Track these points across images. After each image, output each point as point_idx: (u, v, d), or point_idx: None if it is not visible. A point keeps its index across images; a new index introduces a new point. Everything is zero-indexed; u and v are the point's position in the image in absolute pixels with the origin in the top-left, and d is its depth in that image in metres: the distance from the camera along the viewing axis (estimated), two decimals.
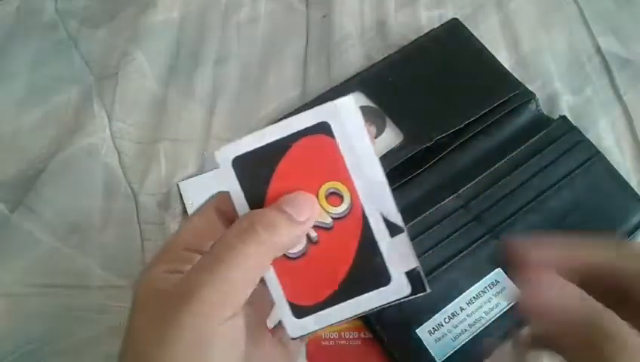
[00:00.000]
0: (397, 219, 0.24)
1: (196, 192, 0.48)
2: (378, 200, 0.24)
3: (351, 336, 0.41)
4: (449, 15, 0.57)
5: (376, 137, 0.48)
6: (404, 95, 0.51)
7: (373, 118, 0.49)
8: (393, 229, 0.24)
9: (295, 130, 0.24)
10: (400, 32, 0.57)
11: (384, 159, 0.46)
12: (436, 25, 0.55)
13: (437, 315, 0.39)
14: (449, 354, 0.38)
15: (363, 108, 0.50)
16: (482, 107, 0.48)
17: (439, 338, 0.39)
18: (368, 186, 0.24)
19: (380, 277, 0.25)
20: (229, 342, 0.22)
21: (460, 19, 0.55)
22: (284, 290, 0.25)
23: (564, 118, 0.48)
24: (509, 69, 0.51)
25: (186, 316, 0.21)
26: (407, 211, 0.30)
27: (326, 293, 0.25)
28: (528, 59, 0.55)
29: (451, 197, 0.44)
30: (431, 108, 0.49)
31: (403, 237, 0.24)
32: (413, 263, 0.24)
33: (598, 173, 0.45)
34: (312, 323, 0.25)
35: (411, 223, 0.42)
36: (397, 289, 0.25)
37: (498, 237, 0.42)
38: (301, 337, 0.25)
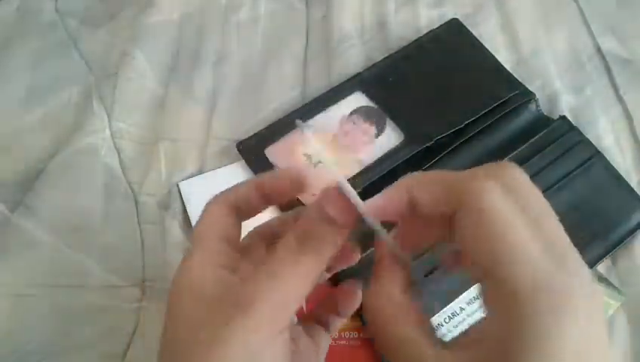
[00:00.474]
0: None
1: (196, 192, 0.48)
2: None
3: (351, 336, 0.41)
4: (449, 15, 0.57)
5: (376, 137, 0.48)
6: (404, 95, 0.51)
7: (373, 118, 0.49)
8: None
9: None
10: (400, 32, 0.57)
11: (384, 159, 0.47)
12: (436, 25, 0.55)
13: (437, 315, 0.39)
14: None
15: (363, 108, 0.50)
16: (482, 107, 0.48)
17: None
18: None
19: None
20: (279, 355, 0.22)
21: (460, 19, 0.55)
22: None
23: (564, 118, 0.48)
24: (509, 69, 0.51)
25: (239, 331, 0.20)
26: None
27: None
28: (528, 59, 0.55)
29: None
30: (431, 108, 0.49)
31: None
32: None
33: (598, 173, 0.45)
34: None
35: None
36: None
37: None
38: None
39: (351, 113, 0.50)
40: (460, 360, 0.19)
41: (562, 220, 0.20)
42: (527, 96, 0.49)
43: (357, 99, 0.51)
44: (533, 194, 0.20)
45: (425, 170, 0.45)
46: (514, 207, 0.19)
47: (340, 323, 0.29)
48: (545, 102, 0.51)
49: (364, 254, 0.28)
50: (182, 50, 0.57)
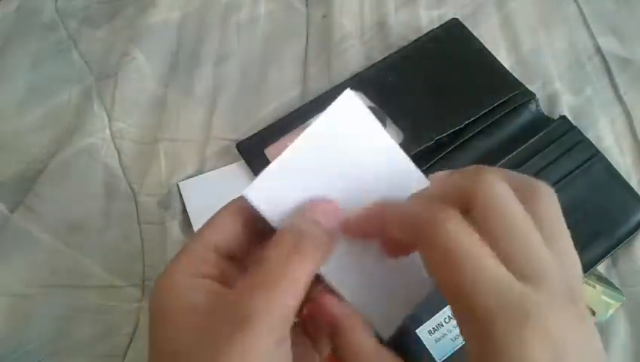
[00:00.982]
0: None
1: (196, 192, 0.48)
2: None
3: None
4: (449, 15, 0.57)
5: None
6: (404, 95, 0.51)
7: None
8: None
9: None
10: (400, 32, 0.57)
11: None
12: (436, 25, 0.55)
13: (437, 315, 0.39)
14: (449, 354, 0.38)
15: None
16: (482, 107, 0.48)
17: (439, 339, 0.39)
18: None
19: None
20: None
21: (460, 19, 0.55)
22: None
23: (564, 117, 0.48)
24: (509, 69, 0.51)
25: (238, 344, 0.20)
26: None
27: None
28: (528, 59, 0.55)
29: None
30: (431, 108, 0.49)
31: None
32: None
33: (598, 173, 0.45)
34: None
35: None
36: None
37: None
38: None
39: None
40: None
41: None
42: (527, 96, 0.49)
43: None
44: (496, 210, 0.20)
45: (425, 170, 0.45)
46: (470, 236, 0.19)
47: None
48: (545, 102, 0.51)
49: None
50: (182, 50, 0.57)
